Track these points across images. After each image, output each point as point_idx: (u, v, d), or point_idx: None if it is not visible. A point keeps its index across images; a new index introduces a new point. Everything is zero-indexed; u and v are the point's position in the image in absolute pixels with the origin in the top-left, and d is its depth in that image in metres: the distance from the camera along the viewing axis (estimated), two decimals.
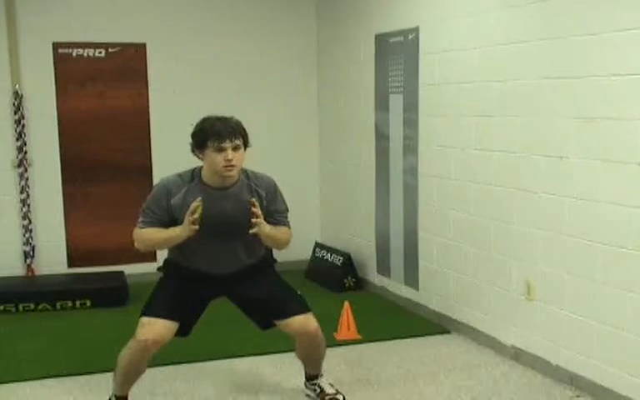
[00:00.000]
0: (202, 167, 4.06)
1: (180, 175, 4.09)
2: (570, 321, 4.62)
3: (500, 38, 5.09)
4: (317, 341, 4.33)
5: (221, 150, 3.90)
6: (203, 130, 3.95)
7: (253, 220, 3.89)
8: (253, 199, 3.95)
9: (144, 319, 4.01)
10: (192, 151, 4.03)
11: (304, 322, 4.23)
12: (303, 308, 4.27)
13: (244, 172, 4.10)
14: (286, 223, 4.20)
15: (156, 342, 3.97)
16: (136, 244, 4.12)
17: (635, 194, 4.10)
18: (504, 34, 5.05)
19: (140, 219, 4.07)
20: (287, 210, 4.26)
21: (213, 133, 3.90)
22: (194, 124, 4.04)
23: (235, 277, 4.15)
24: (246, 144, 4.02)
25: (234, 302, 4.32)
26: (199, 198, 3.86)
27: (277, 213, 4.15)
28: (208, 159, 3.95)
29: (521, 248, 5.01)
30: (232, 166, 3.93)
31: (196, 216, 3.83)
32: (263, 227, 3.96)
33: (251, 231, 3.91)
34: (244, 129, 4.03)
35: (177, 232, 3.92)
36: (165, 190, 4.05)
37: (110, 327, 5.94)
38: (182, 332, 4.13)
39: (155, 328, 3.97)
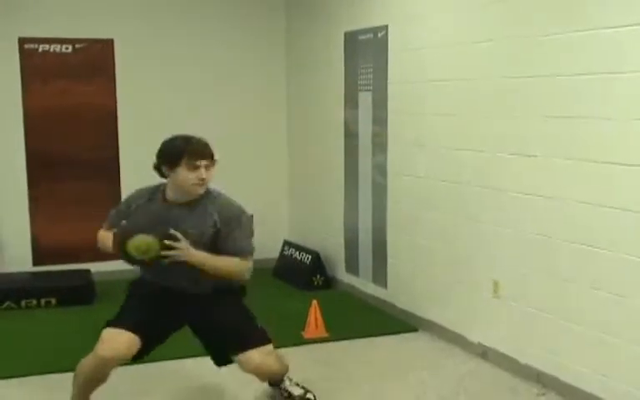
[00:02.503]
0: (166, 184, 4.06)
1: (149, 188, 4.14)
2: (536, 319, 4.65)
3: (469, 37, 5.11)
4: (276, 376, 4.33)
5: (195, 168, 3.91)
6: (177, 147, 3.95)
7: (169, 243, 3.79)
8: (172, 232, 3.82)
9: (105, 333, 3.94)
10: (158, 168, 4.02)
11: (262, 360, 4.10)
12: (263, 340, 4.13)
13: (207, 190, 4.06)
14: (240, 254, 4.02)
15: (114, 359, 3.89)
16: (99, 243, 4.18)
17: (601, 193, 4.13)
18: (473, 33, 5.07)
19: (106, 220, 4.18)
20: (250, 245, 4.10)
21: (189, 151, 3.91)
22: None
23: (198, 299, 4.07)
24: (213, 163, 4.04)
25: (195, 331, 4.21)
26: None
27: (231, 242, 4.00)
28: (179, 176, 3.94)
29: (488, 247, 5.03)
30: (204, 184, 3.97)
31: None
32: (188, 253, 3.85)
33: (167, 255, 3.81)
34: (212, 150, 4.06)
35: (109, 242, 3.98)
36: (131, 199, 4.16)
37: (76, 326, 5.88)
38: (140, 352, 4.01)
39: (114, 344, 3.88)
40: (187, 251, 3.84)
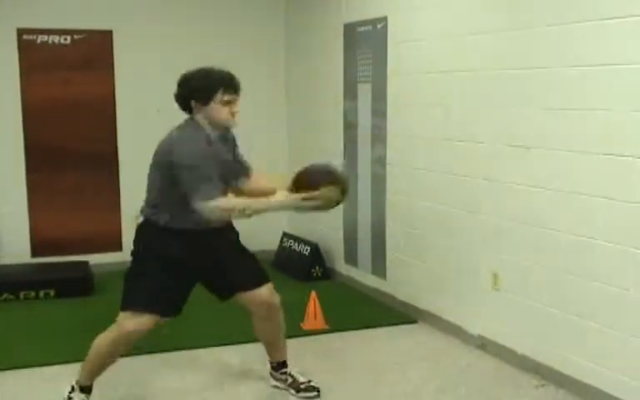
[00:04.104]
0: (191, 119, 3.97)
1: (186, 127, 3.97)
2: (535, 310, 4.65)
3: (467, 29, 5.10)
4: (280, 314, 4.35)
5: (229, 103, 3.90)
6: (212, 80, 3.90)
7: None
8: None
9: (131, 312, 3.93)
10: (185, 102, 3.95)
11: (269, 294, 4.23)
12: (267, 278, 4.28)
13: None
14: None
15: (141, 333, 3.96)
16: (219, 213, 3.91)
17: (599, 184, 4.12)
18: (471, 25, 5.06)
19: (206, 188, 3.80)
20: None
21: (225, 84, 3.89)
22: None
23: (216, 235, 4.08)
24: None
25: (212, 268, 4.15)
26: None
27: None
28: (212, 111, 3.90)
29: (487, 238, 5.03)
30: (237, 118, 3.97)
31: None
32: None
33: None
34: None
35: (288, 202, 4.04)
36: (204, 138, 3.92)
37: (74, 317, 5.88)
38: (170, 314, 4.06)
39: (142, 321, 3.92)
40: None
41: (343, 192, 4.14)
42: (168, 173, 3.86)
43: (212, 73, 3.94)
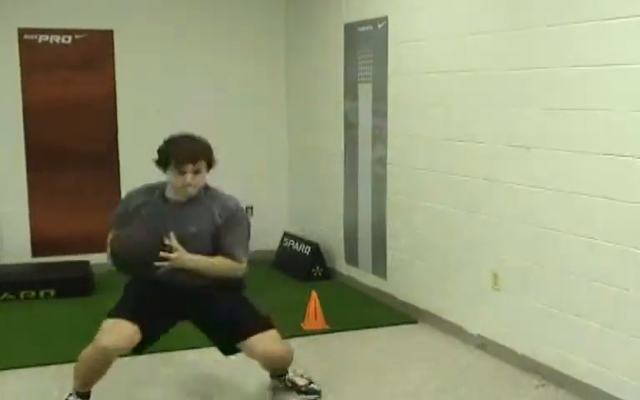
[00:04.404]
0: (165, 182, 4.09)
1: (148, 186, 4.17)
2: (536, 310, 4.65)
3: (468, 29, 5.10)
4: (283, 362, 4.30)
5: (182, 173, 3.94)
6: (167, 151, 3.99)
7: (162, 254, 3.86)
8: (166, 240, 3.88)
9: (106, 323, 3.95)
10: (157, 166, 4.05)
11: (266, 344, 4.10)
12: (265, 326, 4.13)
13: (206, 189, 4.08)
14: (234, 253, 4.04)
15: (116, 350, 3.89)
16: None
17: (599, 184, 4.12)
18: (472, 25, 5.06)
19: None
20: (246, 247, 4.12)
21: (175, 157, 3.94)
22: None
23: (198, 292, 4.05)
24: (210, 166, 4.04)
25: (197, 324, 4.22)
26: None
27: (228, 241, 4.03)
28: (170, 178, 4.01)
29: (487, 238, 5.03)
30: (192, 186, 3.97)
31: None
32: (182, 260, 3.92)
33: (158, 263, 3.87)
34: (210, 151, 4.05)
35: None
36: (129, 199, 4.24)
37: (75, 317, 5.88)
38: (141, 344, 4.01)
39: (116, 335, 3.88)
40: (181, 258, 3.91)
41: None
42: None
43: (168, 143, 4.03)
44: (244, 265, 4.10)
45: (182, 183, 3.95)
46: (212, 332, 4.22)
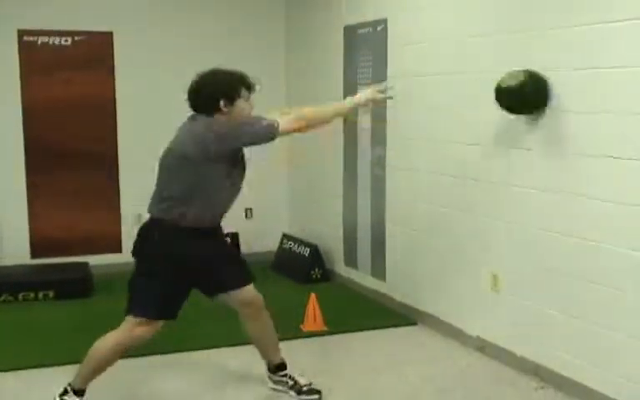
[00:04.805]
0: (207, 116, 3.99)
1: (207, 118, 4.02)
2: (534, 312, 4.65)
3: (467, 31, 5.10)
4: (265, 312, 4.34)
5: (248, 98, 4.05)
6: (235, 80, 4.02)
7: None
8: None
9: (139, 319, 3.96)
10: (212, 103, 3.96)
11: (253, 294, 4.25)
12: (251, 278, 4.28)
13: None
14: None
15: (148, 338, 4.02)
16: (296, 127, 4.12)
17: (599, 186, 4.12)
18: (472, 26, 5.06)
19: (266, 122, 4.02)
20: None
21: (247, 83, 4.04)
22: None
23: (215, 232, 4.15)
24: None
25: (203, 265, 4.13)
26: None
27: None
28: (236, 109, 3.99)
29: (487, 240, 5.03)
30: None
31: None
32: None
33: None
34: None
35: (354, 99, 4.38)
36: None
37: (74, 318, 5.87)
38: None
39: (152, 329, 3.99)
40: None
41: None
42: (201, 165, 3.88)
43: (234, 74, 4.07)
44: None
45: (251, 107, 4.05)
46: (215, 272, 4.15)
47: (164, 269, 3.96)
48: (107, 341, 3.99)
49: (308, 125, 4.14)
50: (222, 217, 4.14)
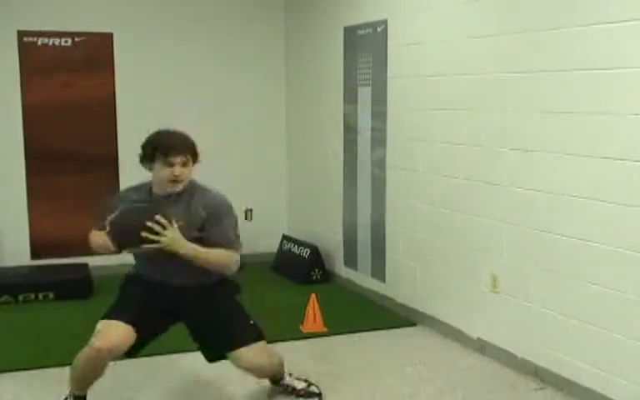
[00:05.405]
0: (152, 180, 4.05)
1: (135, 186, 4.16)
2: (534, 313, 4.65)
3: (467, 32, 5.11)
4: (269, 373, 4.31)
5: (170, 164, 3.90)
6: (153, 144, 3.96)
7: (157, 228, 3.77)
8: (157, 217, 3.79)
9: (100, 325, 3.93)
10: (141, 162, 4.01)
11: (254, 357, 4.12)
12: (254, 338, 4.13)
13: (192, 184, 4.04)
14: (226, 246, 3.96)
15: (110, 351, 3.86)
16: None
17: (598, 188, 4.13)
18: (471, 28, 5.06)
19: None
20: (237, 236, 4.05)
21: (163, 148, 3.91)
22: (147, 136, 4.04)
23: (192, 294, 4.06)
24: (195, 160, 4.01)
25: (189, 326, 4.19)
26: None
27: (219, 233, 3.96)
28: (156, 172, 3.96)
29: (487, 241, 5.03)
30: (179, 181, 3.94)
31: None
32: (177, 242, 3.81)
33: (150, 246, 3.79)
34: (194, 146, 4.02)
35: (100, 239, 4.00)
36: (117, 198, 4.18)
37: (73, 320, 5.86)
38: (135, 347, 4.00)
39: (110, 336, 3.86)
40: (175, 238, 3.80)
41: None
42: None
43: (154, 135, 4.02)
44: (238, 256, 4.02)
45: (169, 175, 3.90)
46: (204, 337, 4.18)
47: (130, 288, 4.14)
48: (81, 352, 3.93)
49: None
50: (175, 276, 4.01)
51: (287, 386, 4.43)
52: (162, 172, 3.92)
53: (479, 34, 4.98)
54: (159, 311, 4.05)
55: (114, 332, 3.88)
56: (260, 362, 4.16)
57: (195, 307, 4.08)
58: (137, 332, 3.94)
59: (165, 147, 3.91)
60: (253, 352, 4.10)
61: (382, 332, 5.66)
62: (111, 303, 4.10)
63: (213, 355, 4.21)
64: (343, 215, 6.88)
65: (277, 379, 4.43)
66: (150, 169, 4.00)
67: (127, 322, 3.92)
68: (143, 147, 4.00)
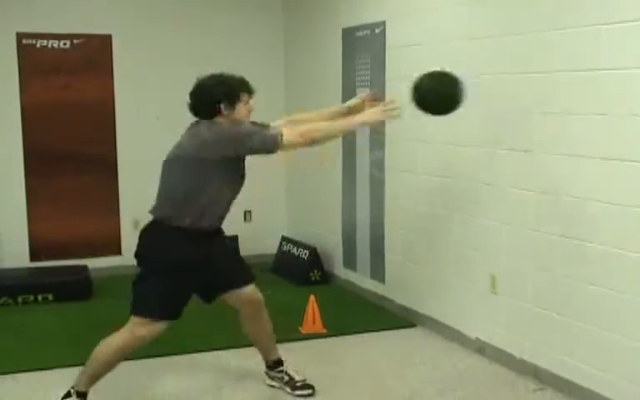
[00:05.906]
0: (211, 121, 4.05)
1: (213, 121, 4.08)
2: (533, 314, 4.65)
3: (465, 33, 5.11)
4: (264, 311, 4.40)
5: (247, 102, 4.14)
6: (235, 84, 4.10)
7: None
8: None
9: (146, 319, 3.98)
10: (212, 108, 4.02)
11: (254, 293, 4.34)
12: (252, 277, 4.38)
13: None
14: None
15: (152, 339, 4.04)
16: (301, 141, 4.16)
17: (598, 189, 4.13)
18: (469, 29, 5.07)
19: (271, 132, 4.11)
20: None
21: (247, 87, 4.15)
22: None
23: (218, 234, 4.22)
24: None
25: (210, 272, 4.16)
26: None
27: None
28: (236, 112, 4.07)
29: (486, 242, 5.03)
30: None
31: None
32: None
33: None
34: None
35: (363, 118, 4.35)
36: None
37: (73, 321, 5.87)
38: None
39: (155, 329, 4.01)
40: None
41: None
42: (201, 168, 3.93)
43: (234, 78, 4.15)
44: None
45: (249, 110, 4.14)
46: (223, 276, 4.24)
47: (165, 270, 3.98)
48: (111, 342, 4.02)
49: (314, 141, 4.16)
50: (221, 220, 4.15)
51: (286, 372, 4.49)
52: (243, 110, 4.10)
53: (477, 35, 4.99)
54: (198, 285, 4.14)
55: (158, 325, 4.02)
56: (260, 298, 4.37)
57: (218, 249, 4.20)
58: (175, 318, 4.11)
59: (248, 85, 4.15)
60: (255, 289, 4.35)
61: (381, 333, 5.66)
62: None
63: (217, 293, 4.28)
64: (342, 216, 6.88)
65: (276, 359, 4.50)
66: (224, 112, 4.03)
67: (168, 319, 4.05)
68: (226, 89, 4.05)
